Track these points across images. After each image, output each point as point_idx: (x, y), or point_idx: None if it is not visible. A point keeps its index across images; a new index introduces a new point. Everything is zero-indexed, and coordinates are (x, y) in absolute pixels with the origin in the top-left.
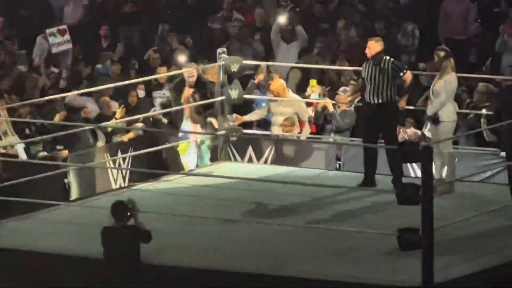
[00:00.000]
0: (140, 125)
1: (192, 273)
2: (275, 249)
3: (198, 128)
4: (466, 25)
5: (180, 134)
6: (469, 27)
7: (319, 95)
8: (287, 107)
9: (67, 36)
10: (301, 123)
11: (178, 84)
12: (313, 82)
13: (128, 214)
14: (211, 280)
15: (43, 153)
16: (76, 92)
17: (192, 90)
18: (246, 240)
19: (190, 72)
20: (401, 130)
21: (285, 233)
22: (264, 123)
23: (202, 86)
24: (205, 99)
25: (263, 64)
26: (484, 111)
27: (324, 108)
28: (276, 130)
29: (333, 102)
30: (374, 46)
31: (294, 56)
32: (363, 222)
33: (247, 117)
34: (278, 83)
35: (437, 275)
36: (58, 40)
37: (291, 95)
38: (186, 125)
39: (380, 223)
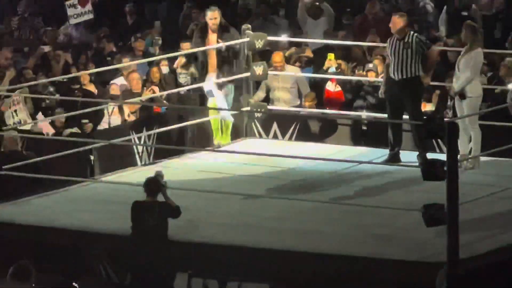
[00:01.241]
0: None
1: (217, 249)
2: (300, 225)
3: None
4: (491, 1)
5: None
6: (494, 2)
7: (336, 68)
8: (285, 80)
9: (88, 7)
10: None
11: (202, 29)
12: (330, 56)
13: (159, 189)
14: (238, 256)
15: (69, 130)
16: (98, 69)
17: (215, 35)
18: (271, 216)
19: (212, 15)
20: (426, 105)
21: (310, 209)
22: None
23: (226, 31)
24: (230, 46)
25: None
26: (510, 86)
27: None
28: (279, 105)
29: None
30: (397, 21)
31: (321, 31)
32: (388, 198)
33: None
34: (280, 55)
35: (462, 251)
36: (77, 11)
37: (290, 67)
38: (211, 79)
39: (405, 199)
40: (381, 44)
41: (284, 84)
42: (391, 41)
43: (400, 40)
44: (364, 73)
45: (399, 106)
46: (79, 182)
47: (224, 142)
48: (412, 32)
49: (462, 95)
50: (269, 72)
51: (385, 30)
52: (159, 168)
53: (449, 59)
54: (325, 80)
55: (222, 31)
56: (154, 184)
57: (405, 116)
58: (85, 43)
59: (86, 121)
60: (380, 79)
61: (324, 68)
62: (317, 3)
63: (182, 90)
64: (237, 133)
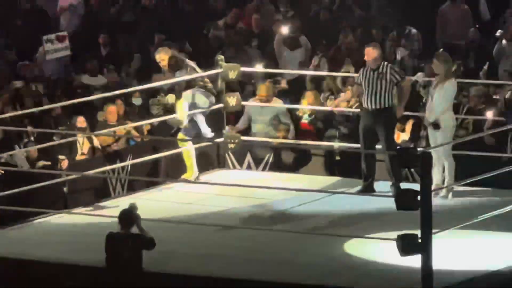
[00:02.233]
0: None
1: (192, 280)
2: (274, 255)
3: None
4: (464, 30)
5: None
6: (467, 32)
7: (309, 115)
8: (267, 112)
9: (66, 43)
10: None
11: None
12: (304, 102)
13: (133, 221)
14: (213, 287)
15: (42, 162)
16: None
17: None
18: (246, 247)
19: (158, 57)
20: (400, 135)
21: (285, 239)
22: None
23: (178, 69)
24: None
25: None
26: (489, 114)
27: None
28: (259, 137)
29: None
30: (371, 52)
31: (297, 63)
32: (362, 228)
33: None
34: (268, 87)
35: (436, 280)
36: (54, 47)
37: (275, 100)
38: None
39: (379, 229)
40: (355, 75)
41: (266, 116)
42: (364, 71)
43: (374, 71)
44: (336, 102)
45: (372, 136)
46: (53, 214)
47: (188, 176)
48: (385, 63)
49: (436, 125)
50: (250, 104)
51: (359, 60)
52: (133, 200)
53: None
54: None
55: (175, 69)
56: (128, 216)
57: (378, 146)
58: (59, 76)
59: (63, 157)
60: (352, 109)
61: (298, 114)
62: (294, 35)
63: (154, 121)
64: (211, 164)
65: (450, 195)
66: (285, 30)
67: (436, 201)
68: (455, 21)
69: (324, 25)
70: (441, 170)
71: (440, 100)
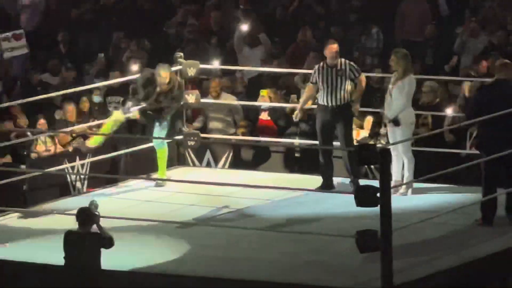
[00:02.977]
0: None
1: (151, 278)
2: (234, 253)
3: None
4: (422, 27)
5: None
6: (425, 28)
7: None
8: (220, 109)
9: (23, 41)
10: None
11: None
12: (263, 92)
13: (92, 220)
14: (172, 284)
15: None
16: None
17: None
18: (205, 244)
19: (165, 75)
20: (360, 132)
21: (243, 237)
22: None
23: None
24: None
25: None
26: (449, 111)
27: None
28: (214, 134)
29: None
30: (334, 48)
31: (258, 60)
32: (322, 225)
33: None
34: (216, 84)
35: (396, 277)
36: (11, 45)
37: (226, 96)
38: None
39: (338, 225)
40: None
41: (219, 113)
42: (320, 68)
43: (332, 67)
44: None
45: (330, 133)
46: (12, 212)
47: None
48: (343, 59)
49: (395, 121)
50: (202, 100)
51: (317, 56)
52: (93, 198)
53: (380, 86)
54: (259, 109)
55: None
56: (86, 215)
57: (336, 143)
58: (17, 73)
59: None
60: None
61: (258, 103)
62: (255, 33)
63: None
64: (170, 162)
65: (409, 191)
66: (245, 27)
67: (396, 197)
68: (413, 17)
69: (282, 23)
70: (400, 167)
71: (398, 97)
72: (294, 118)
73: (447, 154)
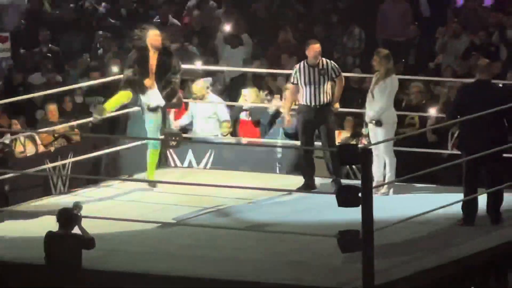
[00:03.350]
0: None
1: (133, 278)
2: (215, 253)
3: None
4: (404, 27)
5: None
6: (407, 29)
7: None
8: (205, 109)
9: (7, 45)
10: None
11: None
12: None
13: (72, 221)
14: (154, 284)
15: None
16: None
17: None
18: (187, 244)
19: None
20: (341, 132)
21: (225, 236)
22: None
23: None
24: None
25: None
26: (432, 111)
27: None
28: (200, 134)
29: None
30: (317, 48)
31: (239, 60)
32: (303, 225)
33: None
34: (200, 85)
35: (377, 277)
36: None
37: (211, 96)
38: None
39: (320, 225)
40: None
41: (204, 113)
42: (302, 69)
43: (314, 67)
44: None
45: (312, 133)
46: None
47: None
48: (325, 59)
49: (377, 122)
50: (186, 101)
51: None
52: (75, 198)
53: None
54: (241, 109)
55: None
56: (67, 216)
57: (317, 143)
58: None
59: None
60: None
61: (239, 102)
62: (236, 33)
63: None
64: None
65: (391, 191)
66: (227, 27)
67: (378, 197)
68: (395, 18)
69: (263, 22)
70: (381, 166)
71: (380, 97)
72: (285, 124)
73: (429, 154)
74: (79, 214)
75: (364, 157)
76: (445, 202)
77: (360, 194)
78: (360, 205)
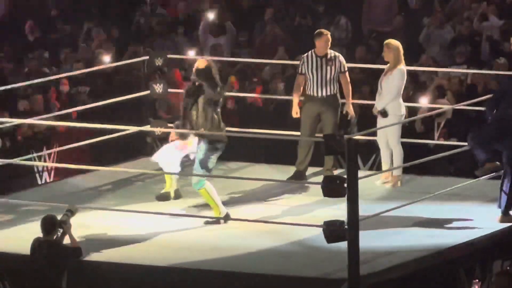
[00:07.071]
0: None
1: (120, 268)
2: (200, 243)
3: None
4: (389, 17)
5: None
6: (392, 19)
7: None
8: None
9: None
10: None
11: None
12: (232, 78)
13: (59, 229)
14: (141, 275)
15: None
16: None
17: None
18: (172, 235)
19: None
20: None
21: (211, 226)
22: None
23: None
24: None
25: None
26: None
27: None
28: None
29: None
30: (327, 38)
31: (223, 49)
32: (290, 214)
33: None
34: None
35: (363, 267)
36: None
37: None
38: None
39: (306, 215)
40: (289, 62)
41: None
42: (308, 58)
43: (321, 57)
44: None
45: (315, 123)
46: None
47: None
48: (332, 51)
49: (384, 113)
50: (169, 90)
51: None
52: (60, 185)
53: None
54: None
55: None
56: (49, 223)
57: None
58: None
59: None
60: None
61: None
62: (220, 22)
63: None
64: (138, 152)
65: (399, 183)
66: (211, 16)
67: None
68: (381, 8)
69: (250, 13)
70: (389, 156)
71: (388, 88)
72: (294, 115)
73: (417, 144)
74: (68, 220)
75: (349, 147)
76: (431, 192)
77: (345, 185)
78: (345, 195)
